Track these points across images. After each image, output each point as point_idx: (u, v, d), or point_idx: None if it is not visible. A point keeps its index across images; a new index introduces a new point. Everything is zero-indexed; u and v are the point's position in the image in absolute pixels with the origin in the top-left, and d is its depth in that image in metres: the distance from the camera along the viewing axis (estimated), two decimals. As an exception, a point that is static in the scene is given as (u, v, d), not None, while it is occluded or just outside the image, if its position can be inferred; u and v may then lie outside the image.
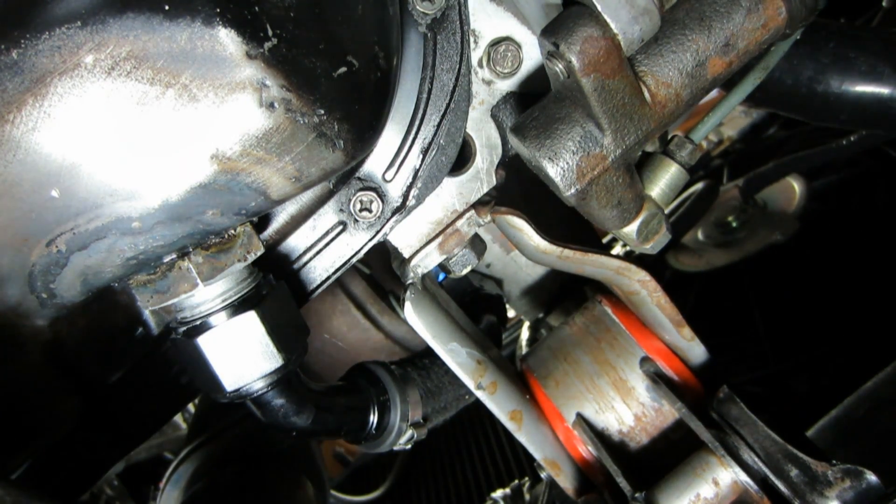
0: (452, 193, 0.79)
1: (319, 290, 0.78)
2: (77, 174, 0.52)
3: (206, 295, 0.63)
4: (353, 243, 0.76)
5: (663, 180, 0.71)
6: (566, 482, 0.91)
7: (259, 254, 0.65)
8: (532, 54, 0.75)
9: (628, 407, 0.88)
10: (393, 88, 0.66)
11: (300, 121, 0.54)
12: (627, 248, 1.78)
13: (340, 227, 0.76)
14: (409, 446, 0.92)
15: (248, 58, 0.50)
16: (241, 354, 0.64)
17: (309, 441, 1.18)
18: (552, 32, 0.56)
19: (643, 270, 0.83)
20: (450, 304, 0.97)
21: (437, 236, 0.79)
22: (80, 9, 0.47)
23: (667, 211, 0.75)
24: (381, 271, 1.32)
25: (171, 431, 2.19)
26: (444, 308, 0.88)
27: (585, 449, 0.89)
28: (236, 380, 0.65)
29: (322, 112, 0.55)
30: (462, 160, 0.77)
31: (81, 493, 0.76)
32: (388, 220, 0.76)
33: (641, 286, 0.85)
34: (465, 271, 0.81)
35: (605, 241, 1.44)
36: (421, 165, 0.74)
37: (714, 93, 0.69)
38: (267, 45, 0.50)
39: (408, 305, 0.80)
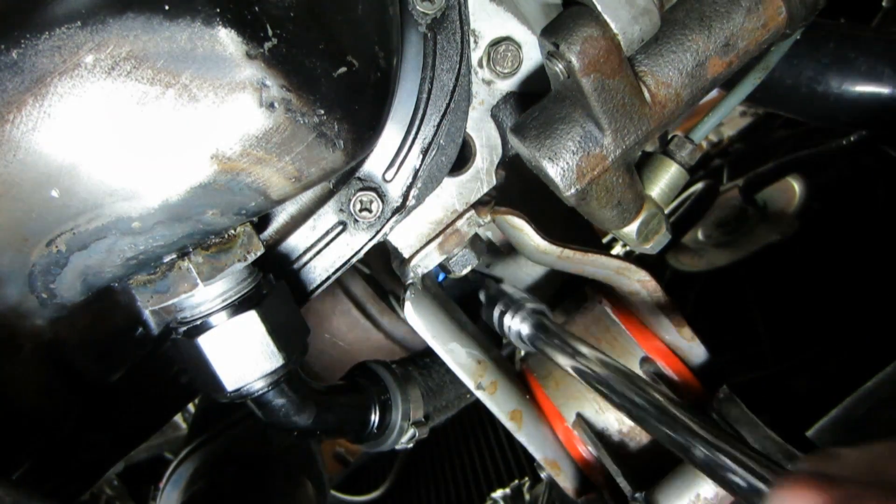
0: (452, 193, 0.79)
1: (319, 290, 0.78)
2: (77, 174, 0.52)
3: (206, 295, 0.63)
4: (353, 243, 0.76)
5: (663, 180, 0.71)
6: (566, 482, 0.91)
7: (259, 254, 0.65)
8: (532, 54, 0.75)
9: (628, 407, 0.88)
10: (393, 88, 0.66)
11: (300, 121, 0.54)
12: (627, 248, 1.78)
13: (340, 227, 0.76)
14: (410, 445, 0.92)
15: (248, 58, 0.50)
16: (241, 354, 0.64)
17: (309, 441, 1.18)
18: (552, 32, 0.56)
19: (643, 270, 0.83)
20: (449, 303, 0.97)
21: (437, 236, 0.79)
22: (80, 9, 0.47)
23: (667, 211, 0.75)
24: (381, 271, 1.32)
25: (171, 431, 2.19)
26: (444, 308, 0.88)
27: (585, 449, 0.89)
28: (237, 379, 0.65)
29: (322, 112, 0.55)
30: (462, 160, 0.77)
31: (81, 493, 0.76)
32: (388, 220, 0.76)
33: (641, 286, 0.85)
34: (465, 271, 0.81)
35: (605, 241, 1.44)
36: (421, 165, 0.74)
37: (714, 93, 0.69)
38: (267, 45, 0.50)
39: (408, 305, 0.80)
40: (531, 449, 0.90)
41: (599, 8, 0.55)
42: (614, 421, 0.88)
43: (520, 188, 0.89)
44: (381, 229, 0.76)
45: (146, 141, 0.52)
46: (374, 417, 0.84)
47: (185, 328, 0.64)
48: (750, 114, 2.09)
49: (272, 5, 0.51)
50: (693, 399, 0.85)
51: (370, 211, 0.75)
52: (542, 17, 0.69)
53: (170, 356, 0.74)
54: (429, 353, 0.95)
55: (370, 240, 0.76)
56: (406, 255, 0.80)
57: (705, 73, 0.61)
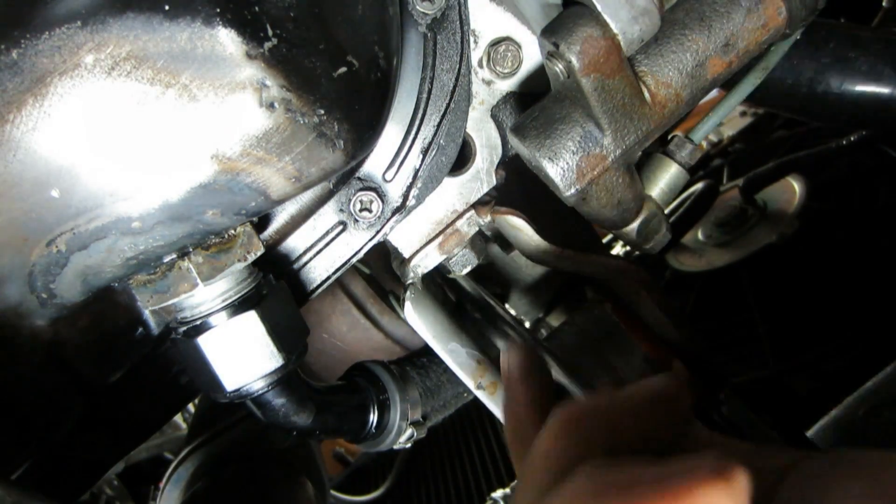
0: (452, 193, 0.79)
1: (319, 290, 0.78)
2: (77, 174, 0.52)
3: (206, 295, 0.63)
4: (353, 243, 0.76)
5: (663, 180, 0.71)
6: (566, 482, 0.91)
7: (259, 254, 0.65)
8: (532, 54, 0.75)
9: (628, 407, 0.88)
10: (393, 88, 0.66)
11: (300, 121, 0.54)
12: (627, 248, 1.78)
13: (340, 227, 0.76)
14: (408, 445, 0.93)
15: (248, 58, 0.50)
16: (241, 354, 0.64)
17: (309, 441, 1.18)
18: (552, 32, 0.56)
19: (643, 270, 0.83)
20: (449, 303, 0.97)
21: (437, 236, 0.79)
22: (80, 9, 0.47)
23: (667, 211, 0.75)
24: (381, 271, 1.32)
25: (171, 431, 2.19)
26: (444, 308, 0.88)
27: (585, 449, 0.89)
28: (236, 380, 0.65)
29: (322, 112, 0.55)
30: (462, 160, 0.77)
31: (81, 493, 0.76)
32: (388, 220, 0.76)
33: (641, 286, 0.85)
34: (465, 271, 0.81)
35: (605, 241, 1.44)
36: (421, 165, 0.74)
37: (714, 93, 0.69)
38: (267, 45, 0.50)
39: (408, 305, 0.80)
40: (531, 449, 0.90)
41: (599, 8, 0.55)
42: (614, 421, 0.88)
43: (520, 188, 0.89)
44: (381, 229, 0.76)
45: (146, 141, 0.52)
46: (373, 417, 0.84)
47: (184, 328, 0.64)
48: (750, 114, 2.09)
49: (272, 5, 0.51)
50: (693, 399, 0.84)
51: (370, 211, 0.75)
52: (542, 17, 0.69)
53: (170, 356, 0.74)
54: (426, 352, 0.95)
55: (370, 240, 0.76)
56: (406, 255, 0.80)
57: (705, 73, 0.61)
